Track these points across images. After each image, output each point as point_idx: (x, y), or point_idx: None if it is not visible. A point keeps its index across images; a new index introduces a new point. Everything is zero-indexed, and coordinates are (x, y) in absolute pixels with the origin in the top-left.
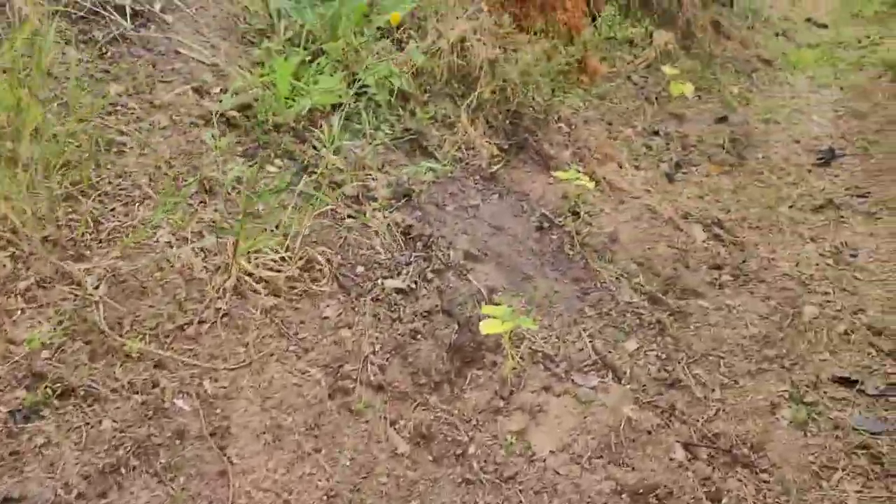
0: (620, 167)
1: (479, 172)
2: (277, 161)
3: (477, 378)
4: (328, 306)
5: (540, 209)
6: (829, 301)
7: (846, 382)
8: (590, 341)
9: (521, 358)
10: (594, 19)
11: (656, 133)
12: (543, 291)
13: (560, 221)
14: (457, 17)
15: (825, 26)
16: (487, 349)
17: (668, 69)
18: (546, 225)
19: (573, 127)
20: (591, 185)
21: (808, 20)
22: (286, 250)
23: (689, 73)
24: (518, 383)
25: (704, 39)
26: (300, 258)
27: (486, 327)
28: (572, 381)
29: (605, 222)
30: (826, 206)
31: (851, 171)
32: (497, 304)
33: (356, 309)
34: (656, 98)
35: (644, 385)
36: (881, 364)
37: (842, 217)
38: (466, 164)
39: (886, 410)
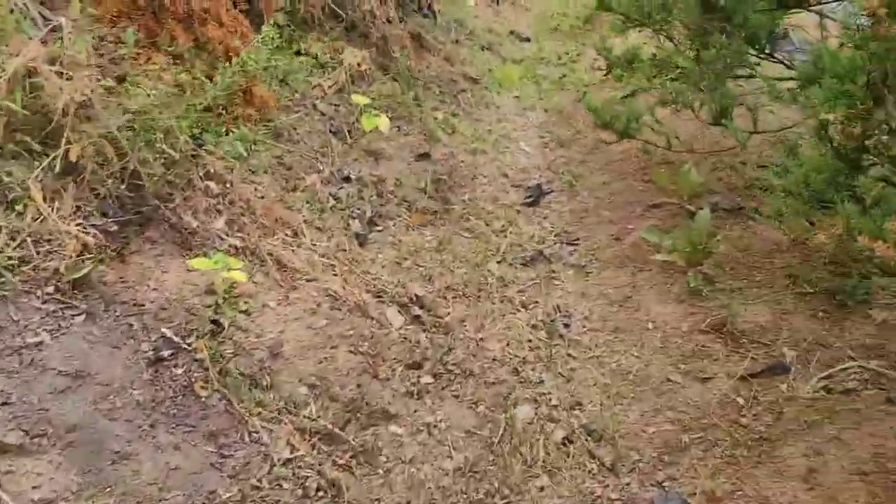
0: (296, 234)
1: (56, 281)
2: None
3: None
4: None
5: (160, 327)
6: (543, 394)
7: None
8: None
9: None
10: (264, 33)
11: (347, 179)
12: (151, 475)
13: (191, 343)
14: (29, 38)
15: (528, 40)
16: None
17: (358, 97)
18: (167, 353)
19: (228, 184)
20: (244, 276)
21: (512, 33)
22: None
23: (389, 97)
24: None
25: (405, 57)
26: None
27: None
28: None
29: (266, 326)
30: (536, 258)
31: (559, 212)
32: None
33: None
34: (349, 132)
35: None
36: (603, 485)
37: (553, 272)
38: (35, 268)
39: None
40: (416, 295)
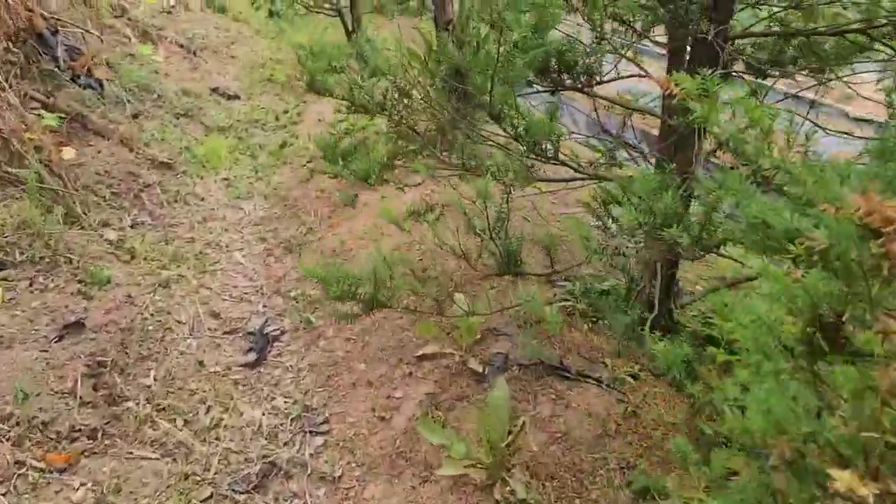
0: None
1: None
2: None
3: None
4: None
5: None
6: None
7: None
8: None
9: None
10: None
11: None
12: None
13: None
14: None
15: (237, 97)
16: None
17: None
18: None
19: None
20: None
21: (216, 91)
22: None
23: (15, 230)
24: None
25: (42, 153)
26: None
27: None
28: None
29: None
30: (268, 474)
31: (296, 372)
32: None
33: None
34: None
35: None
36: None
37: (295, 498)
38: None
39: None
40: None
